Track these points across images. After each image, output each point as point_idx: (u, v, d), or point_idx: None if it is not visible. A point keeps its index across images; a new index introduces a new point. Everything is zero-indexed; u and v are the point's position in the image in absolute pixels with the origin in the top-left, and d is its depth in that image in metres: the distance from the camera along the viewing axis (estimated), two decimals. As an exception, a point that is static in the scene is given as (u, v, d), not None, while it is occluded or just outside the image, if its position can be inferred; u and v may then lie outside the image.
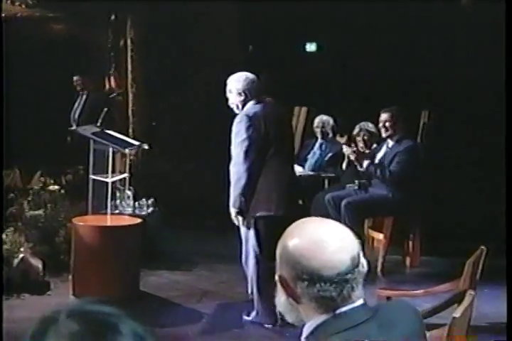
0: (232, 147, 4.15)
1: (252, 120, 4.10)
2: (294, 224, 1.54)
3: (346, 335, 1.45)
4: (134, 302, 4.63)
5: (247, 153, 4.07)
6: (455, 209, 6.28)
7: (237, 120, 4.13)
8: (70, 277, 4.93)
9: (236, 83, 4.18)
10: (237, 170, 4.10)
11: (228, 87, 4.24)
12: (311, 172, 6.46)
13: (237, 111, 4.22)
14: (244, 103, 4.17)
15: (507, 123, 3.49)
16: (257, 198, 4.14)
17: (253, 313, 4.31)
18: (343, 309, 1.47)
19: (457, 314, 2.14)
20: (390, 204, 5.45)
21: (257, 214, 4.16)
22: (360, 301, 1.49)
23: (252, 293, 4.30)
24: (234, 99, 4.21)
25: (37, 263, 5.00)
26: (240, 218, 4.17)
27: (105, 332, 1.05)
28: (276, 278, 1.51)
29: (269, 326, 4.23)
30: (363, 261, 1.49)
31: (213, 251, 5.94)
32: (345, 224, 5.10)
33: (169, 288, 5.07)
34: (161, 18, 7.55)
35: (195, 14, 7.57)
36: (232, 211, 4.19)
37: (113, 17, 7.95)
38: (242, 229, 4.25)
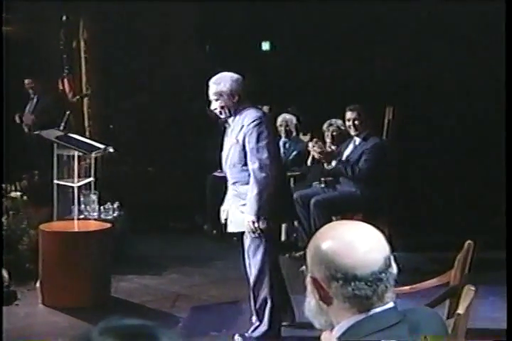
0: (252, 151, 3.86)
1: (268, 122, 4.01)
2: (324, 227, 1.55)
3: (379, 337, 1.45)
4: (107, 309, 4.54)
5: (274, 157, 3.90)
6: (421, 205, 6.38)
7: (254, 122, 3.85)
8: (38, 285, 4.80)
9: (228, 84, 3.88)
10: (265, 175, 3.84)
11: (216, 89, 3.89)
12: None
13: (222, 116, 3.99)
14: (236, 106, 3.89)
15: (506, 123, 3.54)
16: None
17: (260, 327, 4.08)
18: (377, 310, 1.48)
19: (461, 310, 2.15)
20: (358, 201, 5.48)
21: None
22: (391, 303, 1.50)
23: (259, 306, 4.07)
24: (225, 102, 3.89)
25: (2, 272, 4.84)
26: (256, 226, 3.87)
27: None
28: (308, 279, 1.51)
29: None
30: (394, 262, 1.50)
31: (182, 254, 5.88)
32: (314, 222, 5.11)
33: (141, 293, 4.99)
34: (114, 18, 7.44)
35: (151, 14, 7.48)
36: (252, 219, 3.87)
37: (65, 18, 7.78)
38: (250, 240, 3.95)
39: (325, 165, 5.66)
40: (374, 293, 1.45)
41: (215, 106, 3.95)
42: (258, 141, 3.87)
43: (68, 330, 4.23)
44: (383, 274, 1.46)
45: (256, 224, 3.87)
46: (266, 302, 4.03)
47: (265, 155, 3.86)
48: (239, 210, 3.98)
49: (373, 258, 1.45)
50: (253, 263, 4.01)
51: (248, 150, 3.89)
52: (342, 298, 1.46)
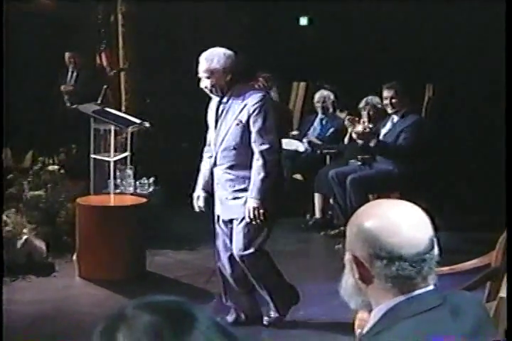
0: (260, 132, 3.59)
1: (272, 103, 3.82)
2: (367, 205, 1.52)
3: (420, 319, 1.42)
4: (142, 282, 4.58)
5: (279, 139, 3.71)
6: (462, 183, 6.27)
7: (260, 102, 3.59)
8: (75, 258, 4.86)
9: (221, 60, 3.61)
10: (273, 157, 3.61)
11: (208, 66, 3.60)
12: (319, 142, 6.38)
13: (215, 95, 3.67)
14: (229, 85, 3.63)
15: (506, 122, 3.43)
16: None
17: (273, 313, 3.97)
18: (417, 292, 1.45)
19: (503, 293, 2.10)
20: (395, 179, 5.41)
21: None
22: (432, 286, 1.47)
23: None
24: (217, 80, 3.61)
25: (40, 244, 4.92)
26: (259, 213, 3.60)
27: (181, 319, 1.01)
28: (348, 257, 1.48)
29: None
30: (436, 244, 1.47)
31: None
32: (349, 200, 5.00)
33: (176, 268, 5.02)
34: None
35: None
36: (255, 204, 3.60)
37: (102, -8, 7.78)
38: (248, 227, 3.68)
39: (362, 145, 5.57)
40: (418, 274, 1.43)
41: (206, 84, 3.64)
42: (265, 121, 3.60)
43: (103, 302, 4.29)
44: (427, 255, 1.43)
45: (259, 210, 3.60)
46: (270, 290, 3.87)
47: (274, 136, 3.62)
48: (232, 196, 3.70)
49: (419, 238, 1.42)
50: (252, 255, 3.73)
51: (254, 132, 3.61)
52: (384, 278, 1.44)
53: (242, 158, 3.66)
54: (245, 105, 3.62)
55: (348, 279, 1.50)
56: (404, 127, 5.42)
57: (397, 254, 1.41)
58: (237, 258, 3.77)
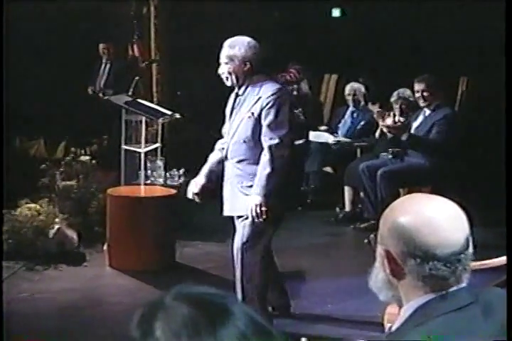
0: (270, 126, 3.46)
1: (288, 96, 3.63)
2: (402, 199, 1.49)
3: (451, 317, 1.40)
4: (171, 273, 4.61)
5: (292, 135, 3.53)
6: (492, 178, 6.17)
7: (275, 95, 3.46)
8: (105, 248, 4.91)
9: (243, 49, 3.51)
10: (282, 153, 3.46)
11: (229, 53, 3.51)
12: (347, 140, 6.35)
13: (228, 83, 3.58)
14: (246, 75, 3.51)
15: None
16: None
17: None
18: (449, 290, 1.42)
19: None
20: (427, 173, 5.35)
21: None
22: (464, 284, 1.44)
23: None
24: (234, 69, 3.51)
25: (72, 234, 4.98)
26: (262, 210, 3.46)
27: (217, 312, 1.01)
28: (380, 252, 1.45)
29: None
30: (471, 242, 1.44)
31: (245, 222, 5.89)
32: (380, 194, 4.91)
33: (205, 260, 5.04)
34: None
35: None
36: (259, 201, 3.46)
37: (135, -16, 7.80)
38: (253, 225, 3.55)
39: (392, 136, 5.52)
40: (452, 274, 1.40)
41: (223, 70, 3.54)
42: (278, 115, 3.44)
43: (133, 292, 4.33)
44: (462, 255, 1.40)
45: (262, 208, 3.45)
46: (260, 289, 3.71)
47: (284, 131, 3.45)
48: (242, 192, 3.58)
49: (455, 238, 1.39)
50: (250, 252, 3.61)
51: (264, 126, 3.46)
52: (416, 276, 1.41)
53: (251, 153, 3.53)
54: (259, 98, 3.49)
55: (379, 273, 1.47)
56: (436, 120, 5.36)
57: (432, 254, 1.38)
58: (236, 254, 3.68)
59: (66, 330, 3.82)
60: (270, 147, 3.46)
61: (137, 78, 5.51)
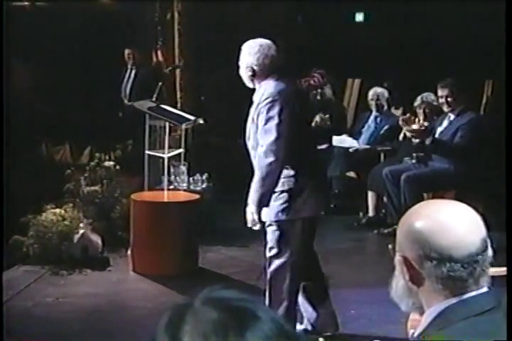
0: (260, 133, 3.39)
1: (285, 100, 3.39)
2: (417, 206, 1.50)
3: (474, 322, 1.39)
4: (194, 278, 4.62)
5: (282, 140, 3.35)
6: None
7: (266, 100, 3.36)
8: (129, 253, 4.94)
9: (245, 55, 3.47)
10: (269, 162, 3.36)
11: (241, 56, 3.51)
12: (367, 146, 6.34)
13: (249, 86, 3.54)
14: (253, 80, 3.46)
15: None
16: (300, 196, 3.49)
17: (306, 321, 3.78)
18: (470, 294, 1.42)
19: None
20: (451, 178, 5.31)
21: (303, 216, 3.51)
22: (486, 288, 1.44)
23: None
24: (242, 73, 3.51)
25: (96, 239, 5.02)
26: (255, 218, 3.47)
27: (245, 318, 1.01)
28: (398, 258, 1.46)
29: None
30: (490, 245, 1.43)
31: (268, 227, 5.89)
32: (404, 198, 4.84)
33: (228, 265, 5.05)
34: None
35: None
36: (251, 209, 3.49)
37: (160, -10, 7.86)
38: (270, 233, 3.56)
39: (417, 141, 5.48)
40: (470, 275, 1.40)
41: (240, 73, 3.54)
42: (267, 122, 3.35)
43: (156, 297, 4.35)
44: (480, 256, 1.40)
45: (254, 216, 3.45)
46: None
47: (271, 138, 3.33)
48: None
49: (470, 239, 1.39)
50: (275, 257, 3.57)
51: (258, 133, 3.41)
52: (435, 279, 1.41)
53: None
54: (258, 103, 3.44)
55: (399, 281, 1.47)
56: (460, 125, 5.31)
57: (448, 255, 1.39)
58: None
59: (90, 334, 3.85)
60: (258, 155, 3.43)
61: (160, 84, 5.55)
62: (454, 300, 1.42)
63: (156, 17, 7.89)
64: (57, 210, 5.00)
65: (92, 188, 5.42)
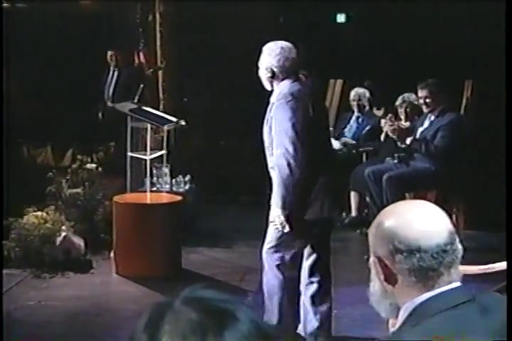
0: (276, 134, 3.40)
1: (299, 101, 3.42)
2: (387, 208, 1.55)
3: (447, 315, 1.42)
4: (177, 280, 4.62)
5: (298, 141, 3.36)
6: (498, 182, 6.16)
7: (280, 101, 3.40)
8: (112, 255, 4.92)
9: (266, 57, 3.50)
10: (287, 162, 3.36)
11: (260, 58, 3.54)
12: (349, 142, 6.35)
13: (267, 87, 3.55)
14: (271, 81, 3.49)
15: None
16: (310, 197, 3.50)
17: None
18: (443, 289, 1.45)
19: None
20: (432, 178, 5.35)
21: (310, 217, 3.52)
22: (458, 283, 1.48)
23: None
24: (261, 74, 3.54)
25: (79, 241, 5.00)
26: (283, 221, 3.43)
27: (223, 318, 1.01)
28: (371, 261, 1.50)
29: None
30: (459, 240, 1.49)
31: (252, 227, 5.89)
32: (386, 198, 4.87)
33: (211, 266, 5.05)
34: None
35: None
36: (281, 213, 3.43)
37: (141, -9, 7.84)
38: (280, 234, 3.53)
39: (399, 143, 5.52)
40: (440, 265, 1.44)
41: (259, 73, 3.56)
42: (282, 123, 3.36)
43: (139, 299, 4.34)
44: (448, 246, 1.45)
45: (282, 218, 3.42)
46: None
47: (288, 139, 3.34)
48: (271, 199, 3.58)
49: (437, 231, 1.45)
50: (269, 256, 3.61)
51: (273, 134, 3.42)
52: (407, 272, 1.45)
53: (273, 160, 3.49)
54: (273, 104, 3.48)
55: (375, 283, 1.51)
56: (441, 125, 5.35)
57: (416, 246, 1.43)
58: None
59: (73, 337, 3.84)
60: (276, 156, 3.42)
61: (142, 85, 5.54)
62: (428, 295, 1.44)
63: (137, 19, 7.87)
64: (39, 213, 4.98)
65: (74, 191, 5.40)
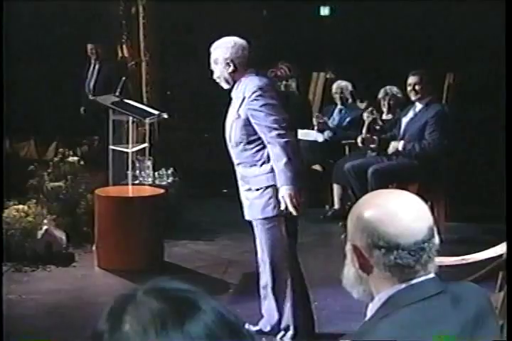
0: (262, 123, 3.40)
1: (273, 91, 3.49)
2: (367, 195, 1.55)
3: (419, 306, 1.44)
4: (160, 273, 4.62)
5: (285, 120, 3.42)
6: (479, 174, 6.20)
7: (255, 93, 3.40)
8: (94, 248, 4.91)
9: (223, 51, 3.46)
10: (287, 140, 3.39)
11: (213, 56, 3.50)
12: (334, 134, 6.35)
13: (225, 86, 3.52)
14: (233, 76, 3.46)
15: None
16: None
17: (263, 321, 3.76)
18: (417, 280, 1.46)
19: None
20: (415, 170, 5.37)
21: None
22: (433, 274, 1.49)
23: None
24: (220, 71, 3.48)
25: (61, 234, 4.98)
26: (297, 199, 3.38)
27: (185, 308, 1.01)
28: (349, 247, 1.50)
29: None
30: (436, 233, 1.49)
31: (234, 220, 5.87)
32: (370, 190, 4.87)
33: (193, 259, 5.05)
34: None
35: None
36: (290, 191, 3.37)
37: (124, -17, 7.79)
38: (266, 226, 3.51)
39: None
40: (417, 262, 1.44)
41: (214, 74, 3.53)
42: (266, 113, 3.39)
43: (121, 292, 4.32)
44: (426, 244, 1.45)
45: (297, 197, 3.36)
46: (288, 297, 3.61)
47: (278, 123, 3.38)
48: (244, 196, 3.56)
49: (417, 228, 1.44)
50: (272, 251, 3.56)
51: (257, 126, 3.42)
52: (383, 267, 1.45)
53: (245, 155, 3.48)
54: (244, 98, 3.44)
55: (350, 269, 1.52)
56: (428, 118, 5.35)
57: (395, 243, 1.43)
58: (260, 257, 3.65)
59: (54, 330, 3.82)
60: (272, 138, 3.39)
61: (124, 78, 5.52)
62: (402, 286, 1.46)
63: (120, 10, 7.82)
64: (21, 206, 4.95)
65: (56, 184, 5.38)
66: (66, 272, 4.73)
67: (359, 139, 5.55)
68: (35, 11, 7.97)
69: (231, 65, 3.44)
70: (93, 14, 8.08)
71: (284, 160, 3.38)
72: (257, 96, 3.40)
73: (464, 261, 3.04)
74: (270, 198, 3.46)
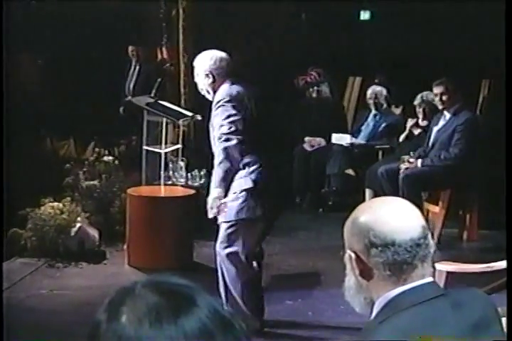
0: (216, 129, 3.60)
1: (237, 100, 3.58)
2: (362, 204, 1.60)
3: (419, 309, 1.45)
4: (188, 273, 4.66)
5: (236, 134, 3.54)
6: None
7: (219, 103, 3.57)
8: (125, 247, 4.99)
9: (202, 63, 3.66)
10: (225, 146, 3.56)
11: (195, 70, 3.72)
12: (364, 142, 6.35)
13: (208, 97, 3.71)
14: (213, 86, 3.63)
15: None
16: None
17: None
18: (416, 283, 1.48)
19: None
20: (448, 176, 5.32)
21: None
22: (430, 278, 1.51)
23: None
24: (202, 83, 3.68)
25: (93, 232, 5.08)
26: (219, 202, 3.70)
27: (182, 303, 1.04)
28: (347, 256, 1.53)
29: None
30: (431, 237, 1.53)
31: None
32: (403, 196, 4.91)
33: (222, 260, 5.07)
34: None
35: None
36: (216, 193, 3.73)
37: (165, -13, 7.90)
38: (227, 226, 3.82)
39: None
40: (414, 258, 1.47)
41: (198, 87, 3.75)
42: (222, 119, 3.55)
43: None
44: (422, 240, 1.48)
45: (220, 200, 3.63)
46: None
47: (227, 130, 3.54)
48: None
49: (411, 225, 1.49)
50: (229, 255, 3.81)
51: (211, 129, 3.68)
52: (382, 266, 1.48)
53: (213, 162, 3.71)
54: (212, 106, 3.66)
55: (350, 278, 1.54)
56: (457, 125, 5.32)
57: (391, 240, 1.47)
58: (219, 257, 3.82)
59: (82, 326, 3.88)
60: (219, 142, 3.59)
61: (159, 80, 5.59)
62: (401, 289, 1.47)
63: (160, 13, 7.93)
64: (56, 204, 5.07)
65: (91, 183, 5.48)
66: (97, 269, 4.82)
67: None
68: (78, 13, 8.14)
69: (210, 76, 3.63)
70: (134, 16, 8.21)
71: (217, 163, 3.62)
72: (220, 103, 3.57)
73: (489, 269, 3.01)
74: (244, 201, 3.65)
